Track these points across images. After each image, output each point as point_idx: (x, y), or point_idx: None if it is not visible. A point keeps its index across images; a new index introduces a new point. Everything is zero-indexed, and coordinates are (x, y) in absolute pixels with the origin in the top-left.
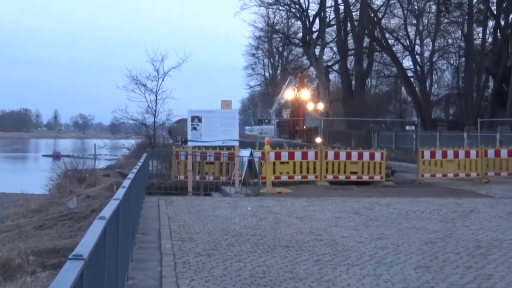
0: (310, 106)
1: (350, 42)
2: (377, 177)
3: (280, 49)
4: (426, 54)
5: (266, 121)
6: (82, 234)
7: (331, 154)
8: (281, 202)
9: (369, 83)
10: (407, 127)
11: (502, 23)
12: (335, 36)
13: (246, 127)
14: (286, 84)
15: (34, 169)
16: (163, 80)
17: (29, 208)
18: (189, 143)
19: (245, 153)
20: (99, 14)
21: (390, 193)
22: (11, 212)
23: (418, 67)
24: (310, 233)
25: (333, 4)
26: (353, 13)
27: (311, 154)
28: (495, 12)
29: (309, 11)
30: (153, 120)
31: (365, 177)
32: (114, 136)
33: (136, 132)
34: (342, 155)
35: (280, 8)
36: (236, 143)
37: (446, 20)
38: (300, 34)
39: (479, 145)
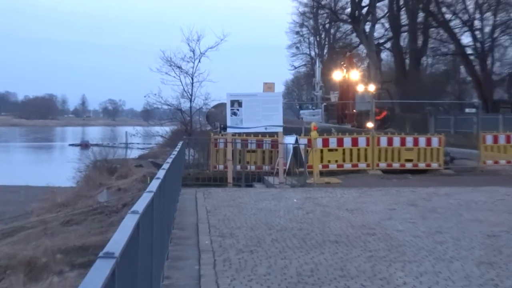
0: (360, 88)
1: (403, 18)
2: (434, 165)
3: (327, 26)
4: (487, 29)
5: (313, 106)
6: (113, 230)
7: (384, 140)
8: (330, 193)
9: (425, 62)
10: (467, 110)
11: None
12: (386, 11)
13: (303, 111)
14: (316, 65)
15: (60, 160)
16: (199, 61)
17: (56, 202)
18: (229, 130)
19: (290, 140)
20: None
21: (449, 182)
22: (36, 207)
23: (478, 44)
24: (362, 227)
25: None
26: None
27: (362, 140)
28: None
29: None
30: (189, 105)
31: (422, 165)
32: (147, 123)
33: (171, 118)
34: (396, 141)
35: None
36: (280, 129)
37: None
38: (349, 10)
39: None
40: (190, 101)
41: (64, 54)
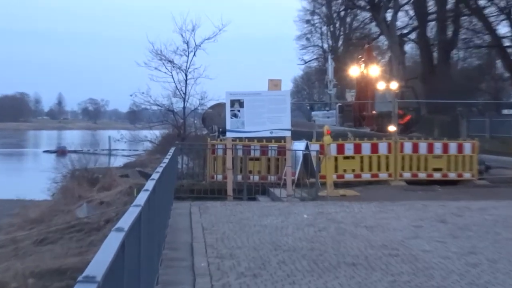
0: (380, 86)
1: (431, 4)
2: (467, 175)
3: (342, 14)
4: None
5: (326, 106)
6: (94, 250)
7: (408, 146)
8: (346, 208)
9: (455, 55)
10: (505, 111)
11: None
12: None
13: (314, 112)
14: (329, 62)
15: (33, 169)
16: (194, 55)
17: (28, 218)
18: (228, 134)
19: (299, 146)
20: None
21: (484, 195)
22: (5, 223)
23: None
24: (383, 246)
25: None
26: None
27: (382, 146)
28: None
29: None
30: (182, 105)
31: (452, 175)
32: (133, 126)
33: (161, 121)
34: (423, 147)
35: None
36: (288, 133)
37: None
38: None
39: None
40: (184, 101)
41: (38, 47)
